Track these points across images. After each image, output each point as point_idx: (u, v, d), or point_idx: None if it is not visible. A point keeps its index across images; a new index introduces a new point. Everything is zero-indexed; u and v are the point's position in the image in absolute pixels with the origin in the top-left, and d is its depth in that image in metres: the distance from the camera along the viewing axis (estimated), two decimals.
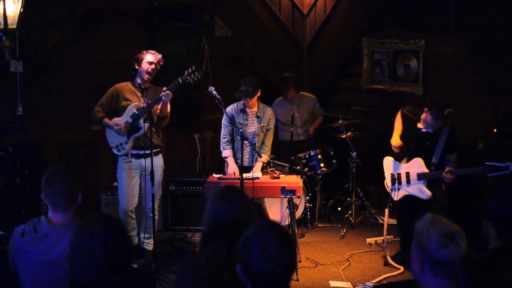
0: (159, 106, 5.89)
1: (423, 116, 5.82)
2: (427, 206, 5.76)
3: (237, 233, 2.74)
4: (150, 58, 5.89)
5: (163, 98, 5.75)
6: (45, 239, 3.10)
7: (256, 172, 6.17)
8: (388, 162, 6.18)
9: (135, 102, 5.91)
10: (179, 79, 5.78)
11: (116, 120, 5.96)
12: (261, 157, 6.23)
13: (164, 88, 5.76)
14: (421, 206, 5.83)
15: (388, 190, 6.17)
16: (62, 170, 3.25)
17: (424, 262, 2.45)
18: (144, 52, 5.95)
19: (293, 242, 2.49)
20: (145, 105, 5.73)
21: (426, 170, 5.81)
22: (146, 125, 5.81)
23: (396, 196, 6.05)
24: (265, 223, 2.50)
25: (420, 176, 5.82)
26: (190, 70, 5.82)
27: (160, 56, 5.97)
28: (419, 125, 5.92)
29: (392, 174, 6.09)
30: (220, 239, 2.98)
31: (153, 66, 5.88)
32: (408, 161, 5.98)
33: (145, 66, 5.88)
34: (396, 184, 6.02)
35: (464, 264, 2.43)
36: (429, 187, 5.81)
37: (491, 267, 2.49)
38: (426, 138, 5.87)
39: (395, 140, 6.11)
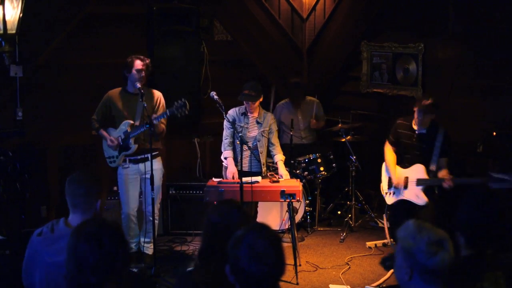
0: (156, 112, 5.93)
1: (415, 115, 5.83)
2: (418, 212, 5.75)
3: None
4: (138, 65, 5.85)
5: (154, 122, 5.72)
6: (59, 240, 3.11)
7: (284, 172, 6.19)
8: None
9: (127, 120, 5.91)
10: (167, 111, 5.73)
11: (112, 133, 5.98)
12: (259, 160, 6.23)
13: (154, 116, 5.73)
14: (414, 212, 5.79)
15: (383, 193, 6.20)
16: (83, 174, 3.29)
17: (413, 270, 2.43)
18: (133, 58, 5.88)
19: (281, 244, 2.50)
20: (145, 105, 5.70)
21: (426, 177, 5.80)
22: (135, 146, 5.89)
23: (391, 200, 6.07)
24: (256, 225, 2.52)
25: (420, 182, 5.80)
26: (179, 103, 5.66)
27: (148, 60, 5.93)
28: (414, 126, 5.91)
29: (390, 177, 6.10)
30: (216, 256, 2.97)
31: (142, 73, 5.85)
32: (408, 166, 5.96)
33: (135, 74, 5.84)
34: (393, 188, 6.03)
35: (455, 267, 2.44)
36: (425, 192, 5.80)
37: (460, 276, 2.50)
38: (422, 140, 5.86)
39: (395, 179, 6.00)
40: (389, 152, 6.14)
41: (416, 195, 5.83)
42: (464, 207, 3.05)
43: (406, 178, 5.93)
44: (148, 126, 5.66)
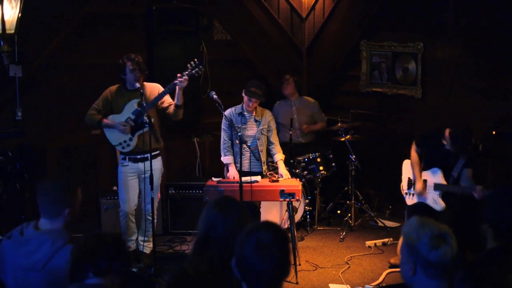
0: (163, 100, 5.90)
1: (446, 133, 5.63)
2: (436, 215, 5.62)
3: (228, 243, 2.77)
4: (130, 65, 5.83)
5: (178, 84, 5.71)
6: (27, 244, 3.11)
7: (284, 171, 6.18)
8: (408, 166, 6.05)
9: (132, 100, 5.89)
10: (185, 74, 5.73)
11: (115, 117, 5.93)
12: (259, 160, 6.23)
13: (179, 75, 5.72)
14: (431, 215, 5.71)
15: (402, 193, 6.07)
16: (51, 181, 3.28)
17: (416, 265, 2.46)
18: (124, 60, 5.87)
19: (288, 242, 2.51)
20: (145, 104, 5.71)
21: (444, 182, 5.69)
22: (153, 120, 5.78)
23: (410, 201, 5.96)
24: (265, 222, 2.53)
25: (437, 187, 5.70)
26: (193, 64, 5.79)
27: (138, 57, 5.89)
28: (444, 142, 5.73)
29: (409, 178, 5.99)
30: (211, 248, 2.99)
31: (136, 72, 5.84)
32: (427, 168, 5.85)
33: (130, 76, 5.85)
34: (412, 189, 5.93)
35: (458, 264, 2.45)
36: (444, 198, 5.70)
37: (489, 267, 2.51)
38: (450, 154, 5.67)
39: (419, 186, 5.80)
40: (415, 155, 5.92)
41: (433, 200, 5.73)
42: (494, 201, 3.07)
43: (425, 181, 5.82)
44: (147, 126, 5.67)
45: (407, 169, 6.08)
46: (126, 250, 2.81)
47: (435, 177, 5.76)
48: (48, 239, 3.07)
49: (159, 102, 5.93)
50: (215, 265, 2.90)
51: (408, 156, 6.05)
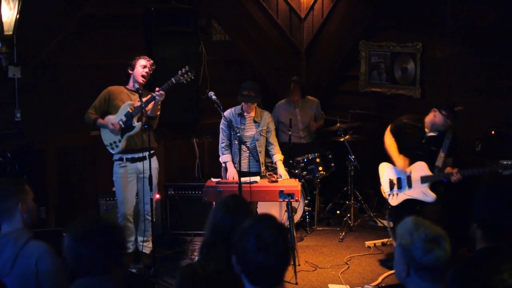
0: (150, 107, 5.91)
1: (430, 117, 5.80)
2: (423, 210, 5.73)
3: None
4: (143, 62, 5.97)
5: (156, 97, 5.78)
6: None
7: (283, 172, 6.19)
8: (384, 168, 6.15)
9: (126, 102, 5.95)
10: (172, 79, 5.82)
11: (110, 118, 5.97)
12: (257, 160, 6.24)
13: (157, 88, 5.79)
14: (419, 210, 5.80)
15: (385, 196, 6.15)
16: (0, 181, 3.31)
17: (409, 267, 2.45)
18: (137, 58, 6.01)
19: (288, 235, 2.51)
20: (143, 105, 5.74)
21: (430, 173, 5.78)
22: (139, 124, 5.86)
23: (395, 201, 6.01)
24: (263, 216, 2.53)
25: (424, 179, 5.79)
26: (183, 70, 5.86)
27: (151, 61, 6.03)
28: (426, 129, 5.87)
29: (390, 179, 6.06)
30: (217, 248, 3.00)
31: (146, 69, 5.95)
32: (409, 165, 5.94)
33: (139, 70, 5.93)
34: (395, 189, 5.99)
35: (451, 265, 2.44)
36: (432, 189, 5.78)
37: (478, 268, 2.50)
38: (431, 142, 5.84)
39: (400, 162, 5.95)
40: (390, 139, 6.08)
41: (422, 193, 5.80)
42: (484, 200, 3.04)
43: (409, 177, 5.91)
44: (146, 126, 5.68)
45: (383, 171, 6.17)
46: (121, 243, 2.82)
47: (420, 170, 5.83)
48: (10, 240, 3.08)
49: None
50: (223, 265, 2.91)
51: (386, 156, 6.13)
